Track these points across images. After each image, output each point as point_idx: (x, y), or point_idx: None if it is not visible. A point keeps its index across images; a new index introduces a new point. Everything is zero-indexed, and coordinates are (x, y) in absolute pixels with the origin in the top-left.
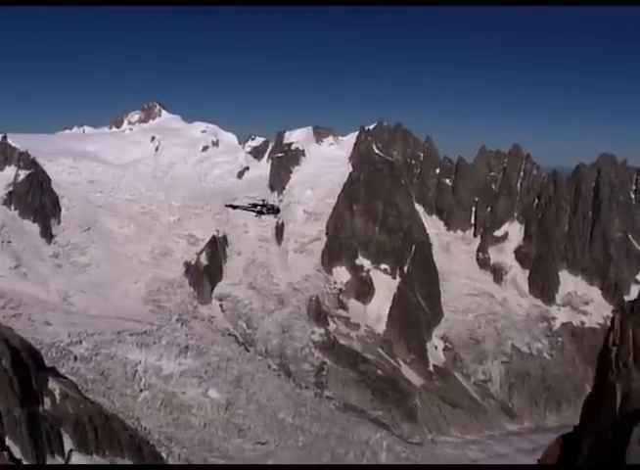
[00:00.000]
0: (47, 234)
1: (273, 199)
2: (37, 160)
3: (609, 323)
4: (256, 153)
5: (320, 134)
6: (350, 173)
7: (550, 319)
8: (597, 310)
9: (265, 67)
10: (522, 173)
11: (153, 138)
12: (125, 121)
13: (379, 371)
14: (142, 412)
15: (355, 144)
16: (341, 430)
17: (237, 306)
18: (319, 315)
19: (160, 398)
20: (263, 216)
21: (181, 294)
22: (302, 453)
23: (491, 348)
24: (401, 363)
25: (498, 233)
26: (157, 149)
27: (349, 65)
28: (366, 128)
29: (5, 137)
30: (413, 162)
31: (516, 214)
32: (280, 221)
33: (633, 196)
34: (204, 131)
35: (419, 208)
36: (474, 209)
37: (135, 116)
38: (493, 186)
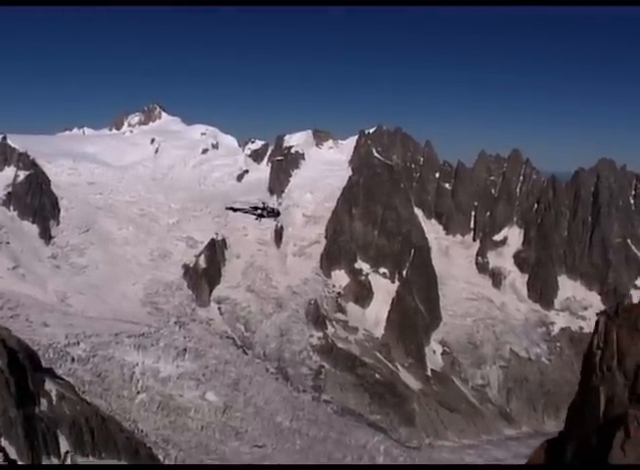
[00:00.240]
0: (46, 235)
1: (272, 202)
2: (37, 161)
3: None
4: (256, 156)
5: (320, 138)
6: (350, 177)
7: (549, 324)
8: (596, 316)
9: (265, 70)
10: (521, 178)
11: (152, 140)
12: (125, 123)
13: (377, 375)
14: (139, 414)
15: (355, 148)
16: (338, 434)
17: (235, 309)
18: (317, 319)
19: (157, 400)
20: (263, 220)
21: (179, 296)
22: (300, 457)
23: (490, 352)
24: (399, 367)
25: (497, 238)
26: (156, 151)
27: (349, 68)
28: (366, 132)
29: (5, 138)
30: (413, 166)
31: (515, 219)
32: (279, 225)
33: (632, 201)
34: (203, 134)
35: (418, 212)
36: (473, 213)
37: (135, 118)
38: (493, 191)
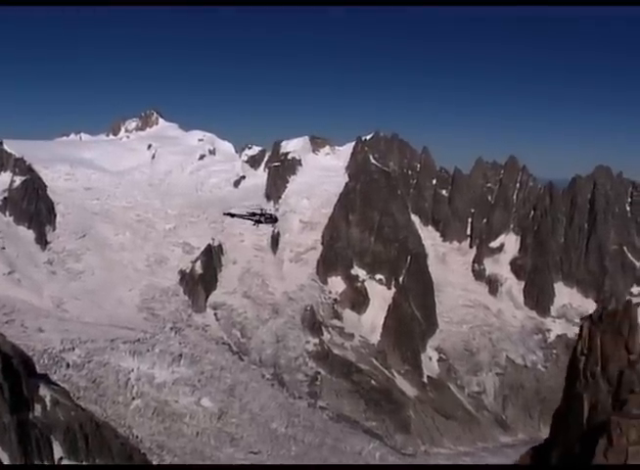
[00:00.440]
0: (42, 240)
1: (269, 208)
2: (33, 166)
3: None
4: (253, 162)
5: (317, 144)
6: (347, 183)
7: (545, 331)
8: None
9: (263, 76)
10: (518, 185)
11: (149, 146)
12: (122, 129)
13: (373, 382)
14: (134, 420)
15: (352, 154)
16: (334, 440)
17: (231, 315)
18: (314, 325)
19: (152, 406)
20: (260, 225)
21: (175, 302)
22: (295, 463)
23: (486, 359)
24: (395, 374)
25: (494, 244)
26: (153, 157)
27: (347, 75)
28: (363, 138)
29: (1, 143)
30: (409, 172)
31: (512, 226)
32: (276, 231)
33: (629, 208)
34: (200, 140)
35: (415, 218)
36: (470, 220)
37: (132, 123)
38: (489, 197)
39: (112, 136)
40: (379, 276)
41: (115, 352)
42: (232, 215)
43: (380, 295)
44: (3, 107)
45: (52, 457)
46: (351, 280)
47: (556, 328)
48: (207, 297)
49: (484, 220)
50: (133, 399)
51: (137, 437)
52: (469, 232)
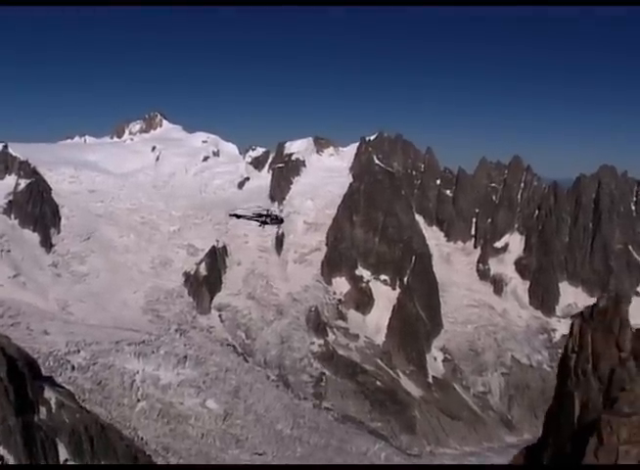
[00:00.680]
0: (47, 243)
1: (274, 209)
2: (38, 169)
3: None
4: (257, 163)
5: (320, 145)
6: (351, 184)
7: (550, 331)
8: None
9: (266, 77)
10: (522, 185)
11: (153, 148)
12: (127, 131)
13: (378, 382)
14: (139, 422)
15: (356, 155)
16: (339, 441)
17: (236, 317)
18: (318, 326)
19: (157, 408)
20: (265, 226)
21: (180, 304)
22: (300, 464)
23: (491, 359)
24: (400, 374)
25: (498, 244)
26: (157, 159)
27: (350, 75)
28: (367, 139)
29: (6, 146)
30: (413, 172)
31: (516, 226)
32: (280, 232)
33: (634, 207)
34: (204, 141)
35: (419, 218)
36: (474, 220)
37: (136, 125)
38: (494, 197)
39: (116, 138)
40: (383, 277)
41: (120, 355)
42: (238, 217)
43: (384, 295)
44: (8, 110)
45: (57, 460)
46: (356, 281)
47: (561, 328)
48: (212, 298)
49: (489, 220)
50: (138, 400)
51: (142, 439)
52: (473, 232)
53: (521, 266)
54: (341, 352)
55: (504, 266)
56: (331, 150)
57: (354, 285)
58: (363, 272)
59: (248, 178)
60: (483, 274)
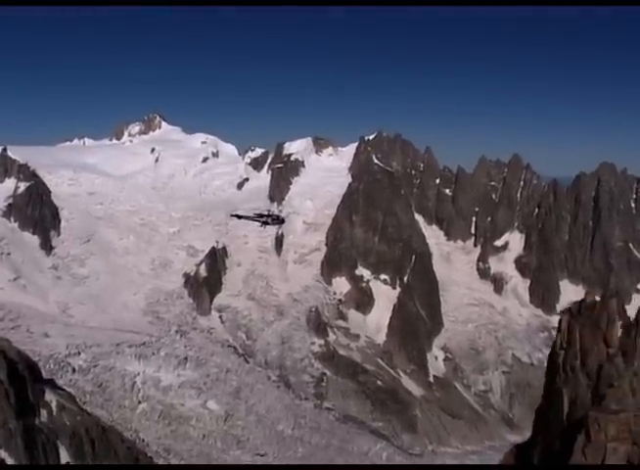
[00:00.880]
0: (47, 246)
1: (274, 210)
2: (37, 172)
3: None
4: (256, 164)
5: (319, 145)
6: (350, 184)
7: (551, 329)
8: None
9: (265, 78)
10: (522, 183)
11: (153, 150)
12: (126, 133)
13: (379, 382)
14: (140, 424)
15: (355, 154)
16: (340, 441)
17: (236, 318)
18: (319, 326)
19: (158, 409)
20: (266, 227)
21: (180, 305)
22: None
23: (492, 358)
24: (401, 374)
25: (498, 243)
26: (156, 160)
27: (348, 75)
28: (365, 139)
29: (5, 149)
30: (413, 172)
31: (516, 224)
32: (280, 232)
33: (633, 205)
34: (203, 142)
35: (419, 218)
36: (474, 218)
37: (135, 127)
38: (493, 196)
39: (115, 140)
40: (383, 276)
41: (121, 357)
42: (239, 217)
43: (385, 295)
44: (6, 113)
45: (58, 462)
46: (356, 280)
47: None
48: (212, 299)
49: (489, 219)
50: (139, 402)
51: (143, 440)
52: (473, 231)
53: (521, 265)
54: (341, 351)
55: (504, 265)
56: (330, 150)
57: (354, 285)
58: (363, 272)
59: (247, 179)
60: (484, 273)
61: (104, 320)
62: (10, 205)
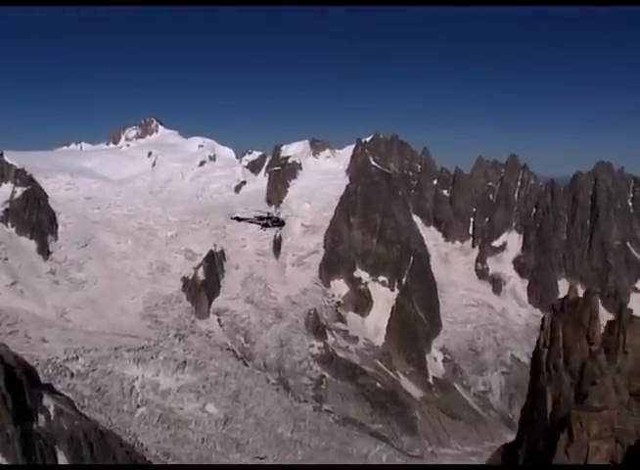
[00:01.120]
0: (44, 251)
1: (275, 212)
2: (34, 176)
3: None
4: (253, 167)
5: (317, 147)
6: (347, 186)
7: None
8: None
9: (261, 81)
10: (519, 183)
11: (150, 154)
12: (123, 137)
13: (378, 384)
14: (139, 428)
15: (352, 157)
16: (340, 444)
17: (235, 321)
18: (317, 329)
19: (157, 413)
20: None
21: (179, 309)
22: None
23: (491, 358)
24: (400, 376)
25: (496, 243)
26: (154, 164)
27: (345, 77)
28: (363, 141)
29: (1, 154)
30: (410, 173)
31: (514, 224)
32: (277, 235)
33: (631, 204)
34: (200, 146)
35: (417, 219)
36: (472, 219)
37: (132, 131)
38: (491, 196)
39: (112, 145)
40: (382, 278)
41: (120, 361)
42: (239, 220)
43: (383, 297)
44: (3, 118)
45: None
46: (354, 283)
47: None
48: (211, 303)
49: (486, 219)
50: (138, 406)
51: (142, 445)
52: (471, 232)
53: (519, 265)
54: (340, 354)
55: (502, 265)
56: (327, 152)
57: (353, 287)
58: (361, 274)
59: (244, 182)
60: (482, 273)
61: (102, 325)
62: (7, 210)
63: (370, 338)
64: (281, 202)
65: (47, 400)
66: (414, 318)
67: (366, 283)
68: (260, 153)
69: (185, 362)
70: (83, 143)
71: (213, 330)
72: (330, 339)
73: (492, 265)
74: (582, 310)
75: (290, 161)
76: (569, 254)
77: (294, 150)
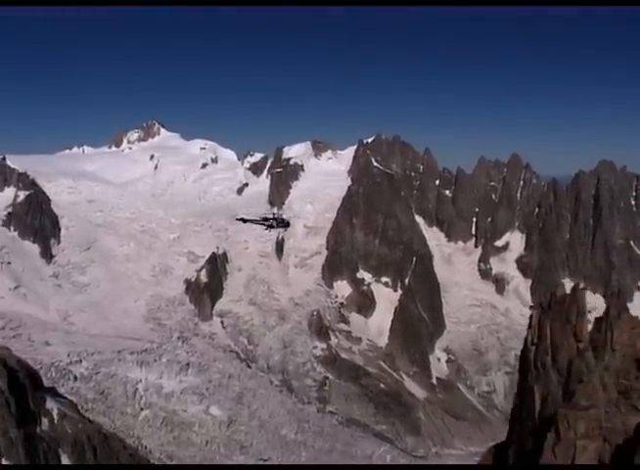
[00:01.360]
0: (47, 254)
1: (280, 212)
2: (36, 180)
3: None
4: (255, 169)
5: (319, 149)
6: (349, 187)
7: None
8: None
9: (262, 83)
10: (521, 183)
11: (152, 156)
12: (125, 140)
13: (381, 385)
14: (143, 431)
15: (354, 158)
16: (344, 445)
17: (238, 323)
18: (320, 330)
19: (160, 416)
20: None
21: (182, 311)
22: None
23: (495, 359)
24: (404, 376)
25: (499, 243)
26: (156, 167)
27: (346, 78)
28: (364, 142)
29: (4, 158)
30: (412, 174)
31: (516, 224)
32: (280, 237)
33: (634, 202)
34: (202, 148)
35: (419, 219)
36: (474, 219)
37: (134, 134)
38: (493, 196)
39: (114, 148)
40: (384, 279)
41: (123, 364)
42: (244, 221)
43: (386, 297)
44: (5, 123)
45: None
46: (357, 284)
47: None
48: (214, 305)
49: (489, 219)
50: (141, 409)
51: (146, 447)
52: (474, 232)
53: (522, 265)
54: (343, 355)
55: (505, 265)
56: (329, 153)
57: (356, 288)
58: (364, 275)
59: (246, 184)
60: (485, 274)
61: (105, 328)
62: (10, 213)
63: (373, 339)
64: (283, 203)
65: (50, 404)
66: (417, 319)
67: (369, 284)
68: (262, 155)
69: (188, 365)
70: (85, 146)
71: (216, 332)
72: (333, 340)
73: (495, 265)
74: (570, 307)
75: (292, 162)
76: (572, 253)
77: (295, 151)
